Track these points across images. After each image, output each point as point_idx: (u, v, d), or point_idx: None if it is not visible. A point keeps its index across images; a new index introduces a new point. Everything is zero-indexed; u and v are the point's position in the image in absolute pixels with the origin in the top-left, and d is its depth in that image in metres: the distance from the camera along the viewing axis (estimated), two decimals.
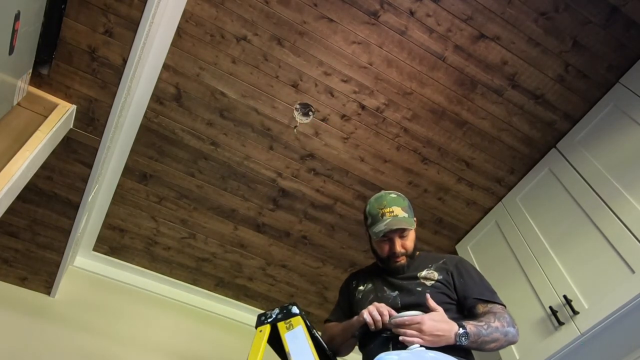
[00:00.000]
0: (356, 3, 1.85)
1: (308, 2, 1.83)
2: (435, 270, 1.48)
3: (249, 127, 2.11)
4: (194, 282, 2.64)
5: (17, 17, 1.06)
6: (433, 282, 1.44)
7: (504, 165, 2.30)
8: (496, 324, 1.30)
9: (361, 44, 1.94)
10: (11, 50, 1.11)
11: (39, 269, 2.12)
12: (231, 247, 2.51)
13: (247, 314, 2.76)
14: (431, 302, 1.30)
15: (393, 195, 1.52)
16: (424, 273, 1.48)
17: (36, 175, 1.63)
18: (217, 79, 1.97)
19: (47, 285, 2.20)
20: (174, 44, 1.87)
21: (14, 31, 1.08)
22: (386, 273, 1.54)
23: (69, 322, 2.17)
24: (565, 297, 1.77)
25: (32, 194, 1.82)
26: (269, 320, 1.34)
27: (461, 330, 1.23)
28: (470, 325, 1.26)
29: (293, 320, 1.29)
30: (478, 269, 2.22)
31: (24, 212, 1.89)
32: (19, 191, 1.32)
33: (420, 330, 1.21)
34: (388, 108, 2.10)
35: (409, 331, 1.23)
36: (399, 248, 1.47)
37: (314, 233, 2.47)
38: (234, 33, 1.87)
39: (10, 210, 1.79)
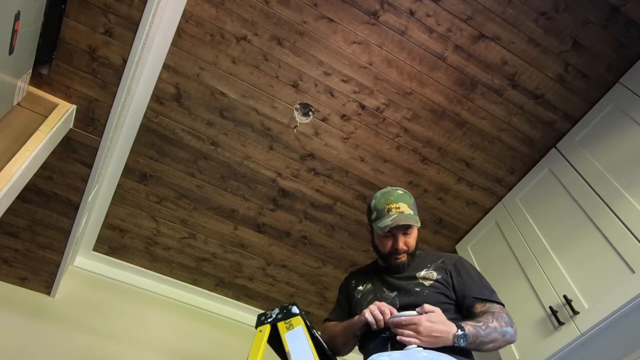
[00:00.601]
0: (356, 3, 1.85)
1: (308, 2, 1.83)
2: (434, 270, 1.47)
3: (249, 127, 2.11)
4: (194, 282, 2.65)
5: (17, 17, 1.06)
6: (432, 281, 1.43)
7: (504, 165, 2.30)
8: (494, 324, 1.29)
9: (361, 44, 1.94)
10: (11, 50, 1.11)
11: (39, 269, 2.12)
12: (231, 247, 2.51)
13: (247, 314, 2.76)
14: (427, 307, 1.28)
15: (400, 192, 1.51)
16: (422, 273, 1.47)
17: (36, 175, 1.63)
18: (217, 79, 1.97)
19: (47, 285, 2.20)
20: (174, 44, 1.87)
21: (14, 31, 1.08)
22: (385, 272, 1.54)
23: (69, 322, 2.17)
24: (565, 297, 1.77)
25: (32, 194, 1.82)
26: (269, 320, 1.34)
27: (460, 332, 1.23)
28: (469, 327, 1.25)
29: (293, 320, 1.29)
30: (478, 269, 2.21)
31: (24, 212, 1.89)
32: (19, 191, 1.32)
33: (417, 331, 1.21)
34: (388, 108, 2.10)
35: (405, 331, 1.22)
36: (401, 245, 1.46)
37: (314, 233, 2.47)
38: (234, 33, 1.87)
39: (10, 210, 1.79)
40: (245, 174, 2.25)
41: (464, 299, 1.40)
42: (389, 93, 2.06)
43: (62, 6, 1.33)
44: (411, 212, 1.46)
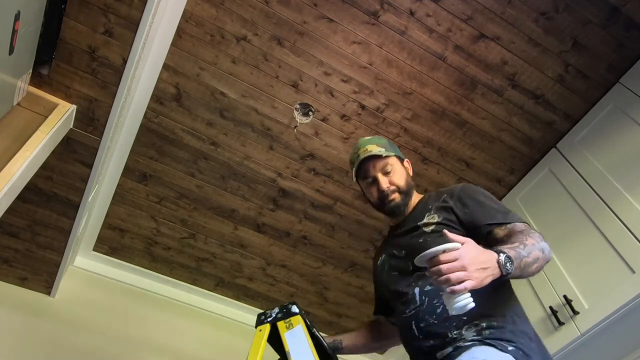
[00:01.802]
0: (356, 3, 1.85)
1: (308, 2, 1.83)
2: (435, 212, 1.29)
3: (249, 127, 2.11)
4: (194, 282, 2.64)
5: (17, 17, 1.06)
6: (434, 226, 1.25)
7: (504, 165, 2.30)
8: (530, 240, 1.09)
9: (361, 44, 1.94)
10: (11, 50, 1.11)
11: (39, 269, 2.12)
12: (231, 247, 2.51)
13: (247, 314, 2.76)
14: (452, 236, 1.01)
15: (368, 137, 1.44)
16: (424, 219, 1.29)
17: (36, 175, 1.63)
18: (217, 79, 1.97)
19: (47, 285, 2.20)
20: (174, 44, 1.87)
21: (14, 31, 1.08)
22: (394, 230, 1.41)
23: (69, 322, 2.17)
24: (565, 297, 1.77)
25: (32, 194, 1.82)
26: (269, 319, 1.34)
27: (502, 256, 0.99)
28: (507, 249, 1.02)
29: (293, 319, 1.29)
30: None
31: (24, 212, 1.89)
32: (19, 191, 1.32)
33: (463, 268, 0.93)
34: (388, 108, 2.10)
35: (453, 274, 0.93)
36: (384, 185, 1.34)
37: (314, 233, 2.47)
38: (234, 33, 1.87)
39: (10, 210, 1.79)
40: (245, 174, 2.25)
41: (476, 229, 1.19)
42: (389, 93, 2.06)
43: (62, 6, 1.34)
44: (381, 149, 1.36)
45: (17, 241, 2.02)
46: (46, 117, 1.47)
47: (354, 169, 1.38)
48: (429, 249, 1.00)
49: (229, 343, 2.56)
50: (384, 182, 1.34)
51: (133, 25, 1.40)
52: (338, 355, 1.50)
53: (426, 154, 2.24)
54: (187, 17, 1.82)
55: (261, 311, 1.40)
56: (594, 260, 1.78)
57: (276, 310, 1.34)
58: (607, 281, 1.69)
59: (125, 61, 1.47)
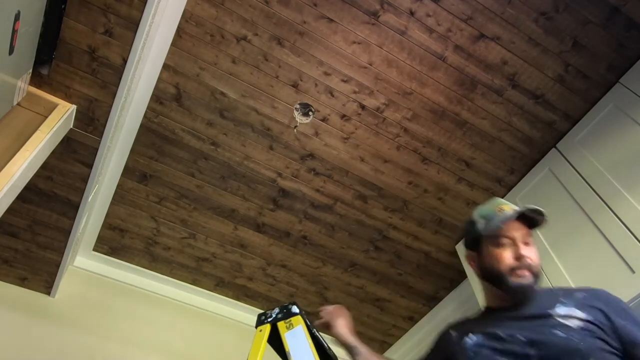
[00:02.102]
0: (356, 3, 1.85)
1: (308, 2, 1.83)
2: (577, 307, 1.10)
3: (249, 127, 2.11)
4: (194, 282, 2.65)
5: (17, 17, 1.06)
6: (581, 322, 1.06)
7: (504, 165, 2.30)
8: None
9: (361, 44, 1.94)
10: (11, 50, 1.11)
11: (39, 269, 2.12)
12: (231, 247, 2.51)
13: (247, 314, 2.76)
14: None
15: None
16: (560, 310, 1.10)
17: (36, 175, 1.64)
18: (217, 79, 1.97)
19: (47, 285, 2.20)
20: (174, 44, 1.87)
21: (14, 31, 1.08)
22: (504, 311, 1.19)
23: (69, 322, 2.17)
24: None
25: (32, 194, 1.82)
26: (269, 319, 1.34)
27: None
28: None
29: (293, 319, 1.29)
30: None
31: (24, 212, 1.89)
32: (19, 191, 1.32)
33: None
34: (388, 108, 2.10)
35: None
36: (525, 251, 1.14)
37: (314, 233, 2.47)
38: (234, 33, 1.87)
39: (10, 210, 1.79)
40: (245, 174, 2.25)
41: (635, 347, 1.04)
42: (389, 93, 2.06)
43: (62, 6, 1.34)
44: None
45: (17, 241, 2.02)
46: (46, 117, 1.47)
47: (489, 222, 1.18)
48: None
49: (229, 343, 2.56)
50: (524, 250, 1.15)
51: (133, 25, 1.40)
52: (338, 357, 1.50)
53: (426, 154, 2.24)
54: (187, 17, 1.82)
55: (261, 311, 1.40)
56: (594, 260, 1.78)
57: (276, 310, 1.34)
58: (607, 281, 1.68)
59: (125, 61, 1.47)
